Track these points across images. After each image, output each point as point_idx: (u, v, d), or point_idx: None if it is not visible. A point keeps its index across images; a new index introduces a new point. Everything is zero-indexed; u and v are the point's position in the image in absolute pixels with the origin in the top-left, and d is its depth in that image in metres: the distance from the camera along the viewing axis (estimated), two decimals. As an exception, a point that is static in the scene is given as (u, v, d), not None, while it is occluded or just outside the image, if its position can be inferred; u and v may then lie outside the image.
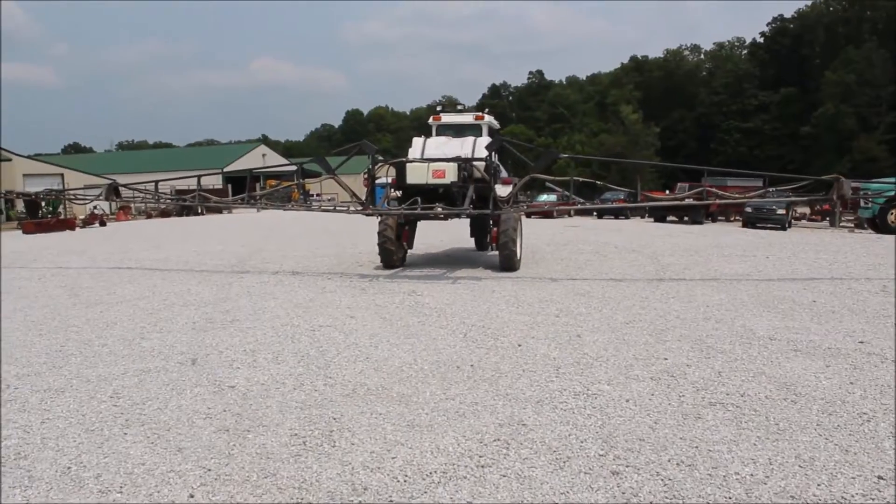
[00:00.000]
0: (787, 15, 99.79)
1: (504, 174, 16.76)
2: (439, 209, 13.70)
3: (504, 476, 4.37)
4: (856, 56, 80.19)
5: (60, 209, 41.62)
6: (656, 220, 38.62)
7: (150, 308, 10.85)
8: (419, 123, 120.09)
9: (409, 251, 15.59)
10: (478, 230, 17.17)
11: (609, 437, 5.03)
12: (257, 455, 4.79)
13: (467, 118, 16.14)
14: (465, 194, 13.59)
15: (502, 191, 14.64)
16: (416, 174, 13.99)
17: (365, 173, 14.01)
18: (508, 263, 14.13)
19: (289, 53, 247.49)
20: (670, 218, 38.22)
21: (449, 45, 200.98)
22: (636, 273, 14.26)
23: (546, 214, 44.05)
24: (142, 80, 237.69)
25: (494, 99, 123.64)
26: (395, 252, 14.61)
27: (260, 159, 77.06)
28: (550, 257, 17.32)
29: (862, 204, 23.71)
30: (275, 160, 78.14)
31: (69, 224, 37.78)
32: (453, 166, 13.74)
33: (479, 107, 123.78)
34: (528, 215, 45.69)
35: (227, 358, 7.53)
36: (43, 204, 34.45)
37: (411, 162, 14.19)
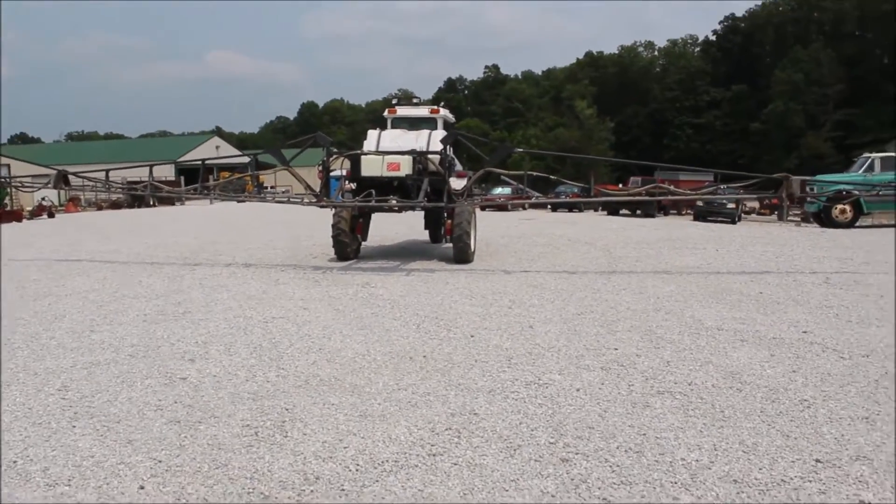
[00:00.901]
0: (739, 14, 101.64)
1: (459, 167, 16.85)
2: (394, 202, 13.70)
3: (455, 464, 4.42)
4: (804, 55, 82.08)
5: (7, 201, 40.54)
6: (609, 214, 39.15)
7: (100, 300, 10.67)
8: (375, 116, 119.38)
9: (363, 243, 15.57)
10: (432, 223, 17.26)
11: (559, 426, 5.11)
12: (208, 446, 4.76)
13: (422, 111, 16.17)
14: (419, 187, 13.62)
15: (457, 184, 14.72)
16: (371, 167, 13.97)
17: (319, 165, 13.95)
18: (462, 256, 14.20)
19: (246, 46, 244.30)
20: (623, 211, 38.75)
21: (407, 40, 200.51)
22: (589, 265, 14.45)
23: (501, 207, 44.38)
24: (94, 71, 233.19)
25: (451, 93, 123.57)
26: (349, 244, 14.58)
27: (213, 151, 76.06)
28: (504, 250, 17.44)
29: (808, 199, 24.32)
30: (228, 152, 77.22)
31: (16, 216, 36.86)
32: (408, 159, 13.77)
33: (435, 100, 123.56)
34: (483, 208, 46.05)
35: (179, 350, 7.45)
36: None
37: (366, 154, 14.16)
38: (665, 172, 43.07)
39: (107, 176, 15.73)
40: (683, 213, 41.22)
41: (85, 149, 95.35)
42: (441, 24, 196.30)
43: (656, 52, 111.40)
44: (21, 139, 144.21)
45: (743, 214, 38.64)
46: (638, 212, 37.57)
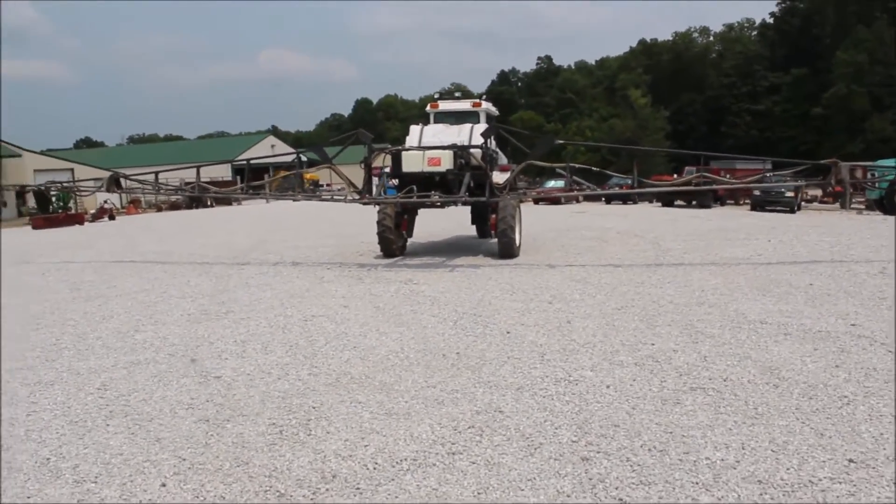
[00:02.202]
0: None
1: (504, 161, 16.73)
2: (435, 197, 13.70)
3: (473, 463, 4.40)
4: (867, 35, 79.25)
5: (71, 204, 41.82)
6: (664, 205, 38.43)
7: (148, 301, 10.93)
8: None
9: (409, 240, 15.62)
10: (478, 218, 17.20)
11: (584, 424, 5.04)
12: (233, 444, 4.84)
13: (465, 105, 16.11)
14: (461, 182, 13.59)
15: (500, 178, 14.63)
16: (412, 162, 13.98)
17: (361, 162, 14.02)
18: (507, 250, 14.12)
19: (297, 44, 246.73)
20: (678, 202, 38.02)
21: (457, 33, 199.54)
22: (636, 258, 14.22)
23: (554, 201, 43.95)
24: (151, 74, 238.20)
25: (503, 85, 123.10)
26: (394, 241, 14.64)
27: (268, 150, 77.09)
28: (552, 244, 17.28)
29: (868, 186, 23.43)
30: (284, 150, 78.21)
31: (78, 219, 37.96)
32: (449, 154, 13.73)
33: (488, 93, 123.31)
34: (537, 202, 45.71)
35: (217, 349, 7.59)
36: (53, 199, 34.73)
37: (407, 150, 14.17)
38: (720, 161, 42.18)
39: (156, 178, 16.10)
40: (742, 202, 40.28)
41: (146, 151, 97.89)
42: (489, 15, 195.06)
43: (711, 38, 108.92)
44: (85, 143, 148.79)
45: (804, 203, 37.66)
46: (693, 203, 36.83)
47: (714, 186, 16.36)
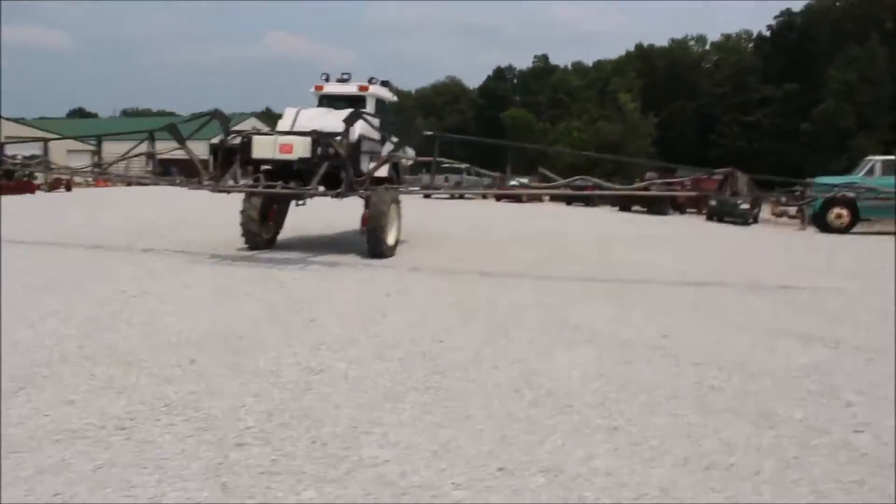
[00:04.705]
0: (796, 9, 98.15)
1: (410, 153, 15.95)
2: (279, 188, 12.82)
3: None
4: (859, 53, 78.82)
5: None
6: (621, 210, 38.05)
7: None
8: (423, 103, 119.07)
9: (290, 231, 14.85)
10: None
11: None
12: None
13: (350, 89, 15.03)
14: (316, 172, 12.76)
15: (383, 170, 13.94)
16: (263, 148, 13.11)
17: (215, 146, 13.39)
18: (376, 250, 13.25)
19: (302, 28, 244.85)
20: (635, 208, 37.58)
21: (462, 29, 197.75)
22: (513, 264, 13.32)
23: (516, 199, 43.51)
24: (154, 49, 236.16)
25: (499, 81, 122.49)
26: (259, 233, 13.92)
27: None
28: (447, 243, 16.76)
29: (804, 204, 23.03)
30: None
31: (28, 188, 37.53)
32: (305, 141, 12.80)
33: (481, 90, 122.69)
34: (498, 199, 45.12)
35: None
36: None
37: (259, 134, 13.57)
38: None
39: (45, 146, 15.63)
40: (703, 211, 39.80)
41: (129, 124, 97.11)
42: (500, 13, 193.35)
43: (708, 47, 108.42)
44: (78, 114, 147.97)
45: (774, 217, 36.79)
46: (647, 209, 36.52)
47: (597, 192, 15.89)
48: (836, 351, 7.21)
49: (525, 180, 43.10)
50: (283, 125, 13.99)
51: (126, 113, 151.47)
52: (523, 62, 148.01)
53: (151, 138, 14.53)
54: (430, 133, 15.66)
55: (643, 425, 4.92)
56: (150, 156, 14.56)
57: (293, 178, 12.97)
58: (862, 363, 6.77)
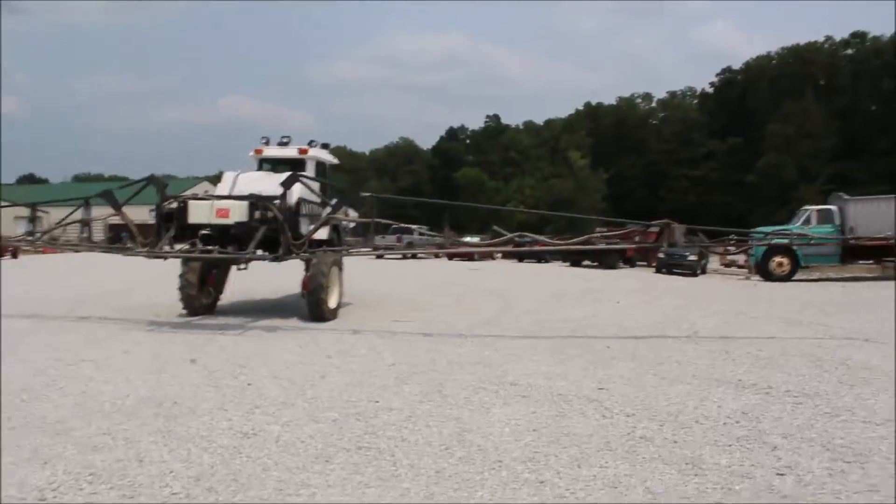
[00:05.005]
0: (736, 66, 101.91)
1: (353, 213, 15.88)
2: (216, 252, 12.70)
3: None
4: (795, 109, 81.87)
5: (-10, 239, 40.34)
6: (572, 265, 38.36)
7: None
8: (377, 165, 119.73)
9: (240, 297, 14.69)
10: None
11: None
12: None
13: (290, 152, 15.09)
14: (254, 236, 12.61)
15: (322, 233, 13.77)
16: (199, 213, 13.05)
17: (153, 210, 13.32)
18: (317, 312, 13.12)
19: (255, 91, 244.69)
20: (585, 263, 37.93)
21: (414, 87, 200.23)
22: (458, 323, 13.22)
23: (468, 257, 43.80)
24: (105, 114, 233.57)
25: (452, 141, 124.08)
26: (197, 298, 13.78)
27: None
28: (392, 303, 16.69)
29: (747, 252, 23.69)
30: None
31: (-34, 254, 36.68)
32: (241, 205, 12.80)
33: (434, 150, 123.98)
34: (451, 257, 45.36)
35: None
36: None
37: (194, 199, 13.48)
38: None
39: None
40: (652, 264, 40.36)
41: (79, 189, 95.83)
42: (448, 72, 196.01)
43: (654, 104, 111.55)
44: (28, 179, 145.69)
45: (723, 266, 37.31)
46: (597, 263, 36.95)
47: (529, 248, 16.08)
48: (766, 396, 7.38)
49: (477, 238, 43.97)
50: (221, 189, 13.91)
51: (78, 178, 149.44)
52: (473, 122, 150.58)
53: (87, 204, 14.37)
54: (366, 194, 15.77)
55: (571, 478, 4.98)
56: (86, 223, 14.36)
57: (231, 242, 12.83)
58: (790, 407, 6.94)
